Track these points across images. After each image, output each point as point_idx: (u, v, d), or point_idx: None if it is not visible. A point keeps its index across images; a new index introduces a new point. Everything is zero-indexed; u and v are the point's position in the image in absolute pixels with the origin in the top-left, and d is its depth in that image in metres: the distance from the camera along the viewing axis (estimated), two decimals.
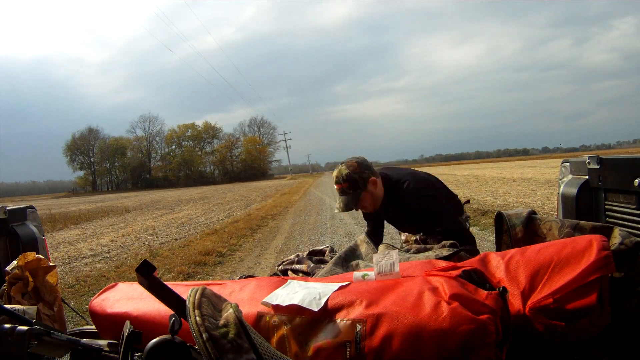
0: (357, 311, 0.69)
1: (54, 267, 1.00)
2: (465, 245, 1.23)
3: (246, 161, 72.33)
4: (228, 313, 0.57)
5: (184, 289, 0.70)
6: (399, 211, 1.68)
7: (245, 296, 0.81)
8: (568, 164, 1.39)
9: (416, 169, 2.24)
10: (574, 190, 1.28)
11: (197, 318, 0.54)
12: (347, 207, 1.59)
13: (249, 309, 0.76)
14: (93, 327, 0.91)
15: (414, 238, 1.84)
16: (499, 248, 1.04)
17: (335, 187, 1.63)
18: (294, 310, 0.72)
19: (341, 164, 1.64)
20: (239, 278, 1.06)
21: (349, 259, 1.37)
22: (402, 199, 1.63)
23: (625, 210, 1.11)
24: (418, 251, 1.35)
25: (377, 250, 1.39)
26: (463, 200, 1.95)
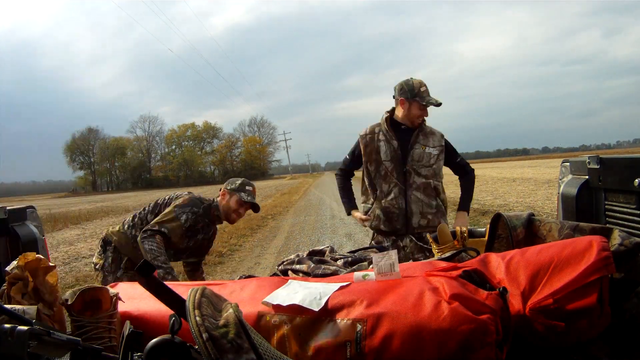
0: (357, 311, 0.69)
1: (54, 267, 1.00)
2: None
3: (246, 161, 72.33)
4: (228, 313, 0.57)
5: (184, 289, 0.70)
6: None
7: (246, 296, 0.82)
8: (568, 164, 1.39)
9: None
10: (574, 190, 1.28)
11: (197, 318, 0.54)
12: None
13: (249, 309, 0.76)
14: None
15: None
16: (489, 250, 1.04)
17: None
18: (295, 310, 0.72)
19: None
20: (239, 278, 1.06)
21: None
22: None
23: (625, 210, 1.11)
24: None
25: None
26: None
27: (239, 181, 2.19)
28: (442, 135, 2.25)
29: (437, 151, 2.19)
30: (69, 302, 0.81)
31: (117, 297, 0.85)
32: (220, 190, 2.20)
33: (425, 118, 2.21)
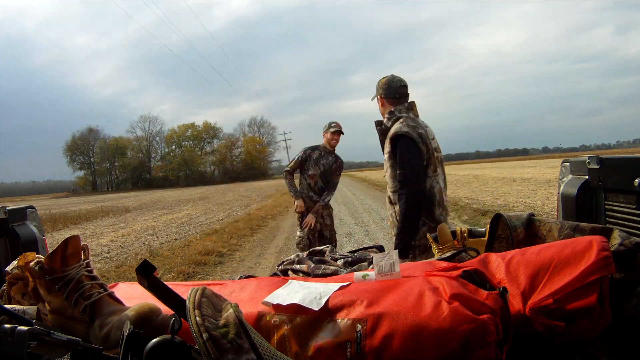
0: (357, 311, 0.69)
1: None
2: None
3: (246, 161, 72.38)
4: (228, 313, 0.58)
5: (184, 289, 0.70)
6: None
7: (246, 296, 0.82)
8: (568, 164, 1.39)
9: None
10: (574, 190, 1.28)
11: (197, 318, 0.54)
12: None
13: (249, 309, 0.76)
14: None
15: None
16: (489, 250, 1.04)
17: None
18: (295, 310, 0.72)
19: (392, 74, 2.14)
20: (239, 278, 1.06)
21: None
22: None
23: (625, 210, 1.11)
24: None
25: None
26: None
27: (326, 123, 3.59)
28: (392, 136, 1.87)
29: (387, 156, 1.91)
30: (49, 259, 0.78)
31: (87, 247, 0.84)
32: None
33: (384, 117, 1.98)
